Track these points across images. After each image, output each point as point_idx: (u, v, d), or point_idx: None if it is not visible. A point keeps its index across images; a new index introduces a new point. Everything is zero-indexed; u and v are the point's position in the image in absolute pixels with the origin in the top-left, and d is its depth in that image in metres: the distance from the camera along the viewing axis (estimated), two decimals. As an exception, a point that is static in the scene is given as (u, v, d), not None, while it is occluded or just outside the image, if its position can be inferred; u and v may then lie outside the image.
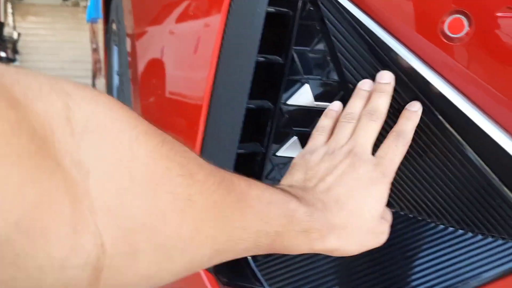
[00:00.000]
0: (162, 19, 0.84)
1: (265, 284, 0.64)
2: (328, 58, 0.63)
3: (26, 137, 0.30)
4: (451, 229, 0.61)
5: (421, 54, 0.58)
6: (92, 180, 0.34)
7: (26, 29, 8.26)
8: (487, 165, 0.58)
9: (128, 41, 0.98)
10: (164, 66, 0.81)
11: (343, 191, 0.54)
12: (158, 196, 0.37)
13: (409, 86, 0.59)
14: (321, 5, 0.61)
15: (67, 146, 0.33)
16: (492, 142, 0.56)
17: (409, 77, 0.58)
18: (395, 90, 0.60)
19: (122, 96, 1.04)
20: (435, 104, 0.58)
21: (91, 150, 0.34)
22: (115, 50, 1.30)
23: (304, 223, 0.50)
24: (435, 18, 0.56)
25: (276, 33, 0.64)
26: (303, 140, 0.65)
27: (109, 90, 1.49)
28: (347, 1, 0.60)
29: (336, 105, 0.61)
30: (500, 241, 0.59)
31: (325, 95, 0.64)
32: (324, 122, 0.61)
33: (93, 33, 2.87)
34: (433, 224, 0.62)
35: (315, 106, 0.64)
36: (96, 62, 2.78)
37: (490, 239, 0.59)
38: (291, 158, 0.65)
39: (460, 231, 0.60)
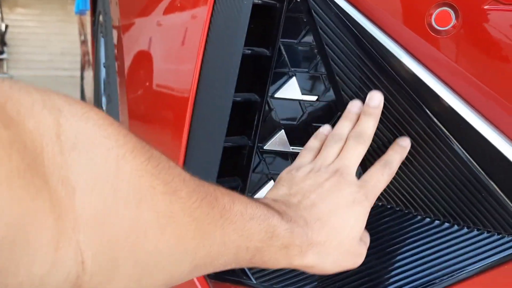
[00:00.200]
0: (147, 11, 0.83)
1: (252, 278, 0.64)
2: (315, 50, 0.62)
3: (16, 156, 0.31)
4: (437, 222, 0.61)
5: (408, 46, 0.58)
6: (78, 197, 0.34)
7: (14, 21, 8.17)
8: (473, 159, 0.58)
9: (114, 33, 0.97)
10: (150, 58, 0.80)
11: (325, 209, 0.55)
12: (141, 213, 0.38)
13: (396, 79, 0.58)
14: (308, -3, 0.60)
15: (56, 163, 0.34)
16: (479, 136, 0.57)
17: (396, 70, 0.58)
18: (383, 83, 0.59)
19: (108, 88, 1.03)
20: (421, 97, 0.58)
21: (78, 167, 0.35)
22: (102, 42, 1.29)
23: (285, 239, 0.51)
24: (422, 10, 0.56)
25: (263, 25, 0.63)
26: (291, 134, 0.65)
27: (96, 82, 1.47)
28: (334, -7, 0.59)
29: (326, 128, 0.63)
30: (485, 234, 0.59)
31: (312, 88, 0.64)
32: (313, 143, 0.62)
33: (82, 25, 2.84)
34: (419, 217, 0.62)
35: (302, 99, 0.63)
36: (84, 54, 2.76)
37: (475, 232, 0.60)
38: (279, 151, 0.65)
39: (446, 224, 0.61)
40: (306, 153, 0.61)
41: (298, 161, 0.61)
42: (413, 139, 0.60)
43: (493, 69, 0.56)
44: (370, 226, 0.63)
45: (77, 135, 0.35)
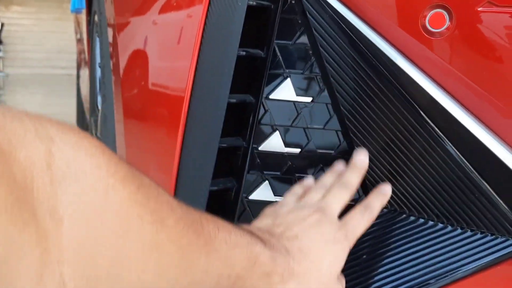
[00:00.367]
0: (142, 10, 0.83)
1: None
2: (310, 52, 0.62)
3: (5, 189, 0.31)
4: (431, 223, 0.61)
5: (403, 48, 0.58)
6: (65, 229, 0.35)
7: (10, 19, 8.14)
8: (466, 160, 0.58)
9: (109, 32, 0.97)
10: (145, 57, 0.80)
11: (307, 242, 0.56)
12: (126, 244, 0.38)
13: (390, 81, 0.59)
14: (303, -2, 0.60)
15: (45, 193, 0.34)
16: (471, 137, 0.57)
17: (390, 71, 0.58)
18: (377, 84, 0.60)
19: (103, 88, 1.03)
20: (415, 98, 0.58)
21: (67, 198, 0.35)
22: (97, 42, 1.29)
23: (267, 266, 0.51)
24: (417, 12, 0.56)
25: (258, 26, 0.63)
26: (286, 135, 0.65)
27: (92, 81, 1.47)
28: (329, -5, 0.59)
29: (310, 179, 0.65)
30: (479, 235, 0.60)
31: (307, 89, 0.64)
32: (297, 189, 0.64)
33: (78, 24, 2.84)
34: (413, 218, 0.62)
35: (297, 100, 0.64)
36: (80, 52, 2.75)
37: (469, 233, 0.60)
38: (274, 152, 0.65)
39: (440, 225, 0.61)
40: (289, 195, 0.63)
41: (282, 201, 0.63)
42: (406, 139, 0.60)
43: (486, 70, 0.56)
44: (365, 226, 0.64)
45: (68, 164, 0.35)
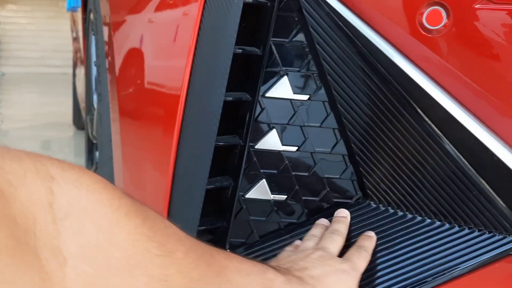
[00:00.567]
0: (138, 8, 0.82)
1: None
2: (307, 49, 0.62)
3: (5, 232, 0.31)
4: (428, 221, 0.61)
5: (400, 45, 0.57)
6: (69, 268, 0.34)
7: (5, 17, 8.11)
8: (464, 157, 0.58)
9: (105, 31, 0.97)
10: (141, 56, 0.80)
11: (317, 272, 0.56)
12: (134, 280, 0.38)
13: (387, 78, 0.58)
14: (299, -5, 0.60)
15: (48, 233, 0.34)
16: (469, 134, 0.57)
17: (387, 68, 0.58)
18: (374, 82, 0.59)
19: (99, 87, 1.02)
20: (412, 96, 0.58)
21: (70, 237, 0.35)
22: (93, 40, 1.28)
23: None
24: (414, 10, 0.56)
25: (254, 24, 0.63)
26: (283, 133, 0.64)
27: (88, 80, 1.46)
28: (326, -8, 0.59)
29: (299, 241, 0.64)
30: (476, 233, 0.59)
31: (303, 87, 0.63)
32: (289, 247, 0.64)
33: (73, 22, 2.83)
34: (410, 216, 0.62)
35: (294, 98, 0.63)
36: (76, 51, 2.74)
37: (467, 231, 0.60)
38: (270, 151, 0.64)
39: (438, 223, 0.61)
40: (283, 251, 0.63)
41: (278, 255, 0.62)
42: (404, 137, 0.60)
43: (484, 68, 0.56)
44: (362, 225, 0.64)
45: (70, 202, 0.35)
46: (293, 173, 0.65)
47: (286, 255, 0.60)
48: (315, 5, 0.60)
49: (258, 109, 0.64)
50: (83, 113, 2.00)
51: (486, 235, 0.59)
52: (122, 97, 0.86)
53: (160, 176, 0.68)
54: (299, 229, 0.66)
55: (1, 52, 7.57)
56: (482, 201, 0.59)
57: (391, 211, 0.63)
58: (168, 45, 0.71)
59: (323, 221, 0.64)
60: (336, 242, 0.61)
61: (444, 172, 0.59)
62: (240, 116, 0.65)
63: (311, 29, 0.60)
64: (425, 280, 0.60)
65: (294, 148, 0.64)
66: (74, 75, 3.00)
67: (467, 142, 0.57)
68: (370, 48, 0.58)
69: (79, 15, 2.04)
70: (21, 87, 5.53)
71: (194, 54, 0.62)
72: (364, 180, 0.63)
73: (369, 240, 0.61)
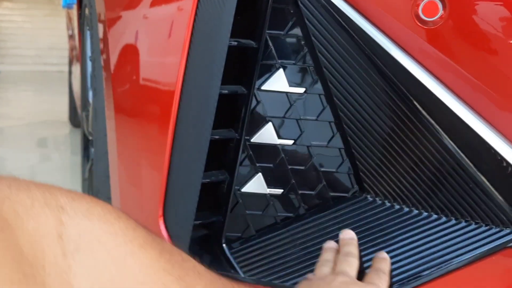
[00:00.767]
0: (133, 4, 0.82)
1: (239, 271, 0.64)
2: (302, 42, 0.62)
3: (11, 266, 0.29)
4: (425, 214, 0.61)
5: (396, 37, 0.57)
6: None
7: (1, 15, 8.08)
8: (461, 150, 0.58)
9: (99, 27, 0.96)
10: (136, 51, 0.79)
11: None
12: None
13: (383, 70, 0.58)
14: (294, -12, 0.60)
15: (57, 267, 0.32)
16: (466, 127, 0.56)
17: (383, 60, 0.58)
18: (370, 74, 0.59)
19: (94, 82, 1.01)
20: (409, 88, 0.58)
21: (81, 270, 0.33)
22: (88, 36, 1.28)
23: None
24: (410, 1, 0.56)
25: (249, 16, 0.62)
26: (279, 126, 0.64)
27: (83, 75, 1.46)
28: (321, -16, 0.59)
29: (311, 274, 0.62)
30: (473, 226, 0.59)
31: (299, 80, 0.63)
32: (304, 281, 0.61)
33: (69, 19, 2.82)
34: (407, 210, 0.62)
35: (290, 91, 0.63)
36: (72, 48, 2.73)
37: (463, 224, 0.60)
38: (266, 144, 0.64)
39: (434, 216, 0.61)
40: (301, 281, 0.61)
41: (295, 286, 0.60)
42: (400, 131, 0.59)
43: (480, 59, 0.55)
44: (358, 218, 0.63)
45: (81, 234, 0.34)
46: (290, 167, 0.64)
47: (307, 283, 0.58)
48: (311, -3, 0.60)
49: (254, 102, 0.63)
50: (79, 111, 2.00)
51: (483, 228, 0.59)
52: (117, 94, 0.86)
53: (156, 170, 0.68)
54: (295, 223, 0.65)
55: (-3, 51, 7.54)
56: (479, 194, 0.58)
57: (388, 204, 0.63)
58: (163, 40, 0.70)
59: (331, 244, 0.62)
60: (353, 265, 0.59)
61: (441, 166, 0.59)
62: (235, 110, 0.64)
63: (307, 22, 0.60)
64: (421, 273, 0.60)
65: (290, 142, 0.64)
66: (70, 72, 2.99)
67: (464, 135, 0.57)
68: (366, 40, 0.58)
69: (74, 12, 2.03)
70: (17, 85, 5.51)
71: (189, 47, 0.61)
72: (361, 173, 0.63)
73: (384, 262, 0.59)
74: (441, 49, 0.56)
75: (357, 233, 0.62)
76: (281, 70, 0.63)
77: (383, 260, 0.60)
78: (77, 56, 2.12)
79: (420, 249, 0.60)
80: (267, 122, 0.64)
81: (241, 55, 0.63)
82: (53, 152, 2.84)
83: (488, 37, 0.55)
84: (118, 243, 0.36)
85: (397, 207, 0.62)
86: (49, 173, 2.32)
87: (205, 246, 0.67)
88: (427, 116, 0.58)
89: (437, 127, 0.58)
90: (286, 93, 0.63)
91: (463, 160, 0.58)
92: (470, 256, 0.59)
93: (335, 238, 0.63)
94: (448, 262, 0.59)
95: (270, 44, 0.62)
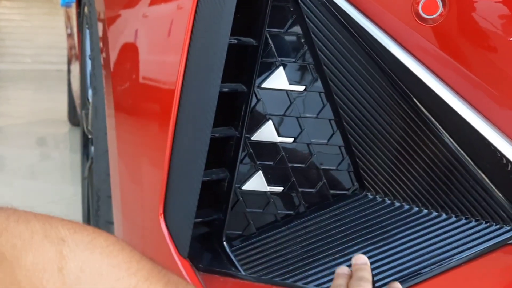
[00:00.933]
0: (133, 2, 0.82)
1: (240, 268, 0.64)
2: (302, 40, 0.62)
3: None
4: (425, 211, 0.61)
5: (395, 35, 0.57)
6: None
7: (0, 14, 8.07)
8: (461, 148, 0.58)
9: (99, 25, 0.96)
10: (136, 50, 0.79)
11: None
12: None
13: (383, 68, 0.58)
14: (294, -14, 0.60)
15: None
16: (466, 124, 0.56)
17: (383, 58, 0.58)
18: (370, 72, 0.59)
19: (94, 81, 1.01)
20: (409, 86, 0.58)
21: None
22: (87, 34, 1.28)
23: None
24: (410, -1, 0.56)
25: (249, 14, 0.62)
26: (279, 124, 0.64)
27: (83, 74, 1.46)
28: (321, -18, 0.59)
29: None
30: (473, 223, 0.59)
31: (299, 78, 0.63)
32: None
33: (68, 18, 2.81)
34: (407, 207, 0.62)
35: (290, 89, 0.63)
36: (71, 47, 2.73)
37: (464, 221, 0.60)
38: (267, 142, 0.64)
39: (435, 214, 0.61)
40: None
41: None
42: (400, 128, 0.60)
43: (479, 57, 0.55)
44: (359, 216, 0.63)
45: (82, 266, 0.33)
46: (290, 165, 0.64)
47: None
48: (311, -5, 0.60)
49: (254, 100, 0.63)
50: (78, 109, 1.99)
51: (483, 225, 0.59)
52: (117, 92, 0.86)
53: (156, 168, 0.68)
54: (295, 221, 0.65)
55: (-5, 49, 7.53)
56: (479, 192, 0.58)
57: (388, 202, 0.63)
58: (163, 39, 0.70)
59: (344, 269, 0.59)
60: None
61: (441, 163, 0.59)
62: (235, 108, 0.64)
63: (307, 19, 0.60)
64: (422, 271, 0.60)
65: (291, 140, 0.64)
66: (69, 71, 2.99)
67: (464, 132, 0.57)
68: (366, 38, 0.58)
69: (73, 11, 2.03)
70: (16, 83, 5.51)
71: (189, 46, 0.61)
72: (361, 171, 0.63)
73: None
74: (440, 47, 0.56)
75: (357, 231, 0.62)
76: (281, 68, 0.63)
77: (395, 284, 0.58)
78: (76, 54, 2.12)
79: (421, 246, 0.60)
80: (267, 120, 0.64)
81: (241, 53, 0.63)
82: (52, 151, 2.84)
83: (487, 34, 0.55)
84: (121, 276, 0.35)
85: (397, 204, 0.62)
86: (48, 171, 2.32)
87: (206, 244, 0.67)
88: (427, 114, 0.58)
89: (438, 125, 0.58)
90: (286, 91, 0.63)
91: (463, 157, 0.58)
92: (470, 253, 0.59)
93: (335, 237, 0.63)
94: (449, 259, 0.59)
95: (270, 42, 0.62)
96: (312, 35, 0.61)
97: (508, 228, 0.59)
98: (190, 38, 0.61)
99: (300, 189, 0.65)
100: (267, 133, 0.64)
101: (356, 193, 0.64)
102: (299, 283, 0.62)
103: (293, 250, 0.63)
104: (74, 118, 3.07)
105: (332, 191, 0.65)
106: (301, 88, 0.63)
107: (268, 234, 0.65)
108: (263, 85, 0.63)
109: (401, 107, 0.59)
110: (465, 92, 0.57)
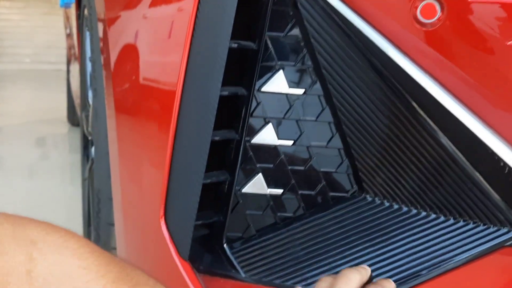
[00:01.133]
0: (133, 3, 0.82)
1: (240, 270, 0.64)
2: (302, 43, 0.62)
3: None
4: (423, 213, 0.62)
5: (394, 39, 0.58)
6: None
7: (-2, 14, 8.06)
8: (458, 150, 0.58)
9: (99, 27, 0.97)
10: (136, 51, 0.79)
11: None
12: None
13: (382, 72, 0.59)
14: (294, -10, 0.60)
15: None
16: (464, 127, 0.57)
17: (382, 62, 0.58)
18: (369, 75, 0.60)
19: (94, 82, 1.02)
20: (407, 90, 0.58)
21: None
22: (87, 36, 1.28)
23: None
24: (408, 3, 0.56)
25: (249, 18, 0.63)
26: (278, 127, 0.64)
27: (83, 76, 1.46)
28: (320, -14, 0.59)
29: None
30: (471, 225, 0.60)
31: (299, 81, 0.64)
32: None
33: (67, 18, 2.81)
34: (405, 209, 0.62)
35: (290, 92, 0.63)
36: (70, 47, 2.73)
37: (461, 223, 0.60)
38: (267, 145, 0.65)
39: (433, 216, 0.61)
40: None
41: None
42: (399, 131, 0.60)
43: (478, 61, 0.56)
44: (358, 218, 0.64)
45: (51, 269, 0.33)
46: (289, 167, 0.65)
47: None
48: (310, -1, 0.60)
49: (254, 104, 0.64)
50: (78, 110, 2.00)
51: (481, 227, 0.60)
52: (118, 93, 0.86)
53: (157, 171, 0.68)
54: (295, 223, 0.66)
55: (-6, 49, 7.52)
56: (477, 194, 0.59)
57: (387, 204, 0.63)
58: (164, 41, 0.71)
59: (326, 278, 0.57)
60: (353, 279, 0.55)
61: (439, 165, 0.59)
62: (236, 111, 0.65)
63: (306, 23, 0.61)
64: (420, 273, 0.61)
65: (290, 142, 0.64)
66: (68, 71, 2.99)
67: (462, 135, 0.58)
68: (365, 42, 0.58)
69: (72, 11, 2.03)
70: (15, 83, 5.50)
71: (190, 49, 0.62)
72: (360, 173, 0.63)
73: (388, 281, 0.58)
74: (439, 51, 0.57)
75: (356, 233, 0.63)
76: (281, 71, 0.63)
77: (385, 280, 0.57)
78: (75, 54, 2.12)
79: (419, 248, 0.61)
80: (267, 123, 0.64)
81: (241, 56, 0.63)
82: (51, 151, 2.84)
83: (485, 38, 0.56)
84: (90, 278, 0.35)
85: (396, 206, 0.63)
86: (47, 171, 2.32)
87: (206, 246, 0.68)
88: (426, 117, 0.59)
89: (436, 127, 0.59)
90: (286, 94, 0.64)
91: (461, 160, 0.59)
92: (468, 255, 0.60)
93: (334, 239, 0.64)
94: (447, 261, 0.60)
95: (270, 45, 0.63)
96: (312, 39, 0.61)
97: (505, 230, 0.59)
98: (191, 41, 0.62)
99: (300, 192, 0.65)
100: (267, 136, 0.65)
101: (355, 195, 0.65)
102: (299, 285, 0.62)
103: (293, 252, 0.64)
104: (73, 118, 3.07)
105: (331, 194, 0.65)
106: (300, 91, 0.63)
107: (268, 236, 0.66)
108: (263, 89, 0.63)
109: (399, 110, 0.59)
110: (463, 95, 0.57)
